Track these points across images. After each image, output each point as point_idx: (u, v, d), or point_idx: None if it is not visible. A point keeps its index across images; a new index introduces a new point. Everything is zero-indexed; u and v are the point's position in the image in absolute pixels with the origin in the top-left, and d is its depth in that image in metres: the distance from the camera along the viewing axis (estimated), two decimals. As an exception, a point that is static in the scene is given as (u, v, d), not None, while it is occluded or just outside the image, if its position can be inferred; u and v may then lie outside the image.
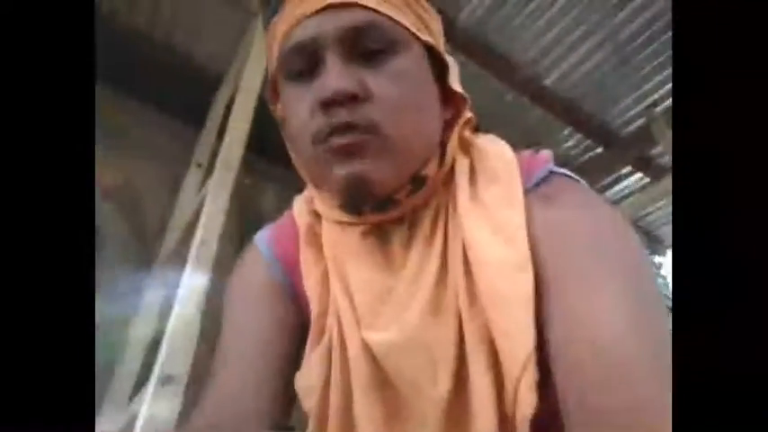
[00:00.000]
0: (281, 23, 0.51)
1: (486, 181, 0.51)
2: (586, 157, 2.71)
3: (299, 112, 0.49)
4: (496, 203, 0.49)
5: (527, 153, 0.55)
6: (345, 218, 0.53)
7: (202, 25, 2.24)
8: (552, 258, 0.45)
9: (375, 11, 0.49)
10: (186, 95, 2.27)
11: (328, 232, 0.55)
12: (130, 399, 1.41)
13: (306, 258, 0.56)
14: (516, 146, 0.55)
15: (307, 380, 0.51)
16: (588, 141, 2.63)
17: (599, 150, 2.66)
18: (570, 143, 2.66)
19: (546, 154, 0.55)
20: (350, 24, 0.48)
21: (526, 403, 0.41)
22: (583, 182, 0.53)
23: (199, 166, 2.03)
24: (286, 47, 0.50)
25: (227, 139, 1.56)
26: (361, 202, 0.50)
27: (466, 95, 0.54)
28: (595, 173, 2.69)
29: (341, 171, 0.47)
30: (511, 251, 0.45)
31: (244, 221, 2.44)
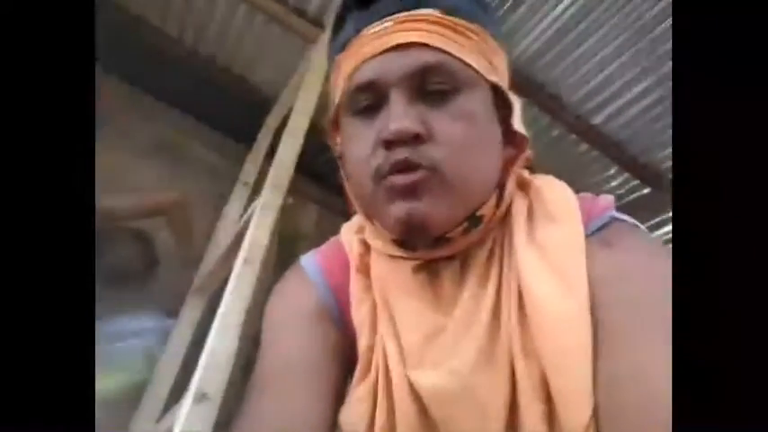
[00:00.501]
0: (349, 59, 0.52)
1: (545, 222, 0.50)
2: (632, 197, 2.65)
3: (361, 148, 0.50)
4: (556, 247, 0.47)
5: (588, 196, 0.54)
6: (398, 252, 0.53)
7: (261, 50, 2.32)
8: (610, 308, 0.43)
9: (443, 51, 0.48)
10: (240, 116, 2.35)
11: (378, 264, 0.55)
12: (159, 418, 1.44)
13: (356, 287, 0.55)
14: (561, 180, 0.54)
15: (351, 415, 0.50)
16: (635, 182, 2.57)
17: (645, 191, 2.60)
18: (616, 182, 2.62)
19: (608, 199, 0.53)
20: (416, 65, 0.48)
21: None
22: (643, 228, 0.51)
23: (245, 184, 2.08)
24: (353, 84, 0.51)
25: (277, 160, 1.60)
26: (417, 240, 0.50)
27: (526, 135, 0.54)
28: (641, 213, 2.63)
29: (399, 209, 0.47)
30: (571, 303, 0.44)
31: (280, 241, 2.48)
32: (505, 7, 2.03)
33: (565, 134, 2.44)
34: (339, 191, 0.58)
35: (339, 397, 0.53)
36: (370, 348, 0.52)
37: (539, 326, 0.44)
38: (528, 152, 0.55)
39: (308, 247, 2.15)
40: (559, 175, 0.55)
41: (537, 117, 2.36)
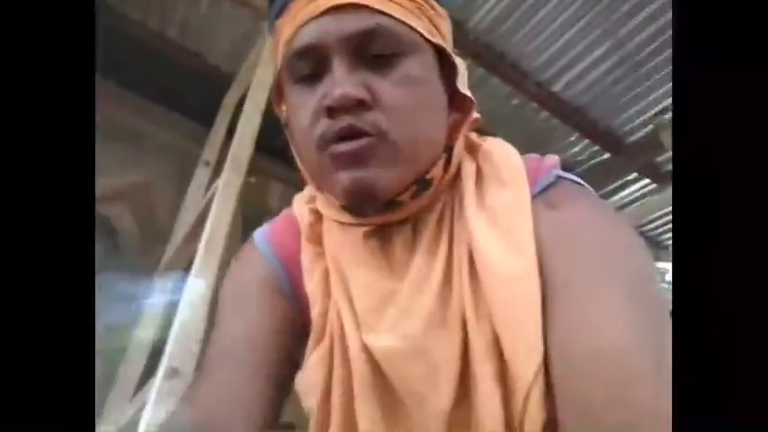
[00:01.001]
0: (287, 25, 0.50)
1: (494, 185, 0.50)
2: (593, 162, 2.71)
3: (304, 115, 0.48)
4: (504, 209, 0.48)
5: (534, 157, 0.55)
6: (348, 219, 0.53)
7: (214, 25, 2.26)
8: (557, 266, 0.44)
9: (383, 13, 0.47)
10: (198, 94, 2.30)
11: (330, 232, 0.55)
12: (133, 396, 1.43)
13: (307, 257, 0.55)
14: (523, 150, 0.55)
15: (307, 381, 0.51)
16: (595, 147, 2.63)
17: (605, 156, 2.67)
18: (577, 149, 2.67)
19: (552, 158, 0.54)
20: (356, 28, 0.47)
21: (534, 419, 0.40)
22: (588, 187, 0.53)
23: (207, 164, 2.05)
24: (291, 49, 0.49)
25: (236, 138, 1.58)
26: (365, 206, 0.50)
27: (472, 98, 0.53)
28: (601, 178, 2.70)
29: (345, 177, 0.46)
30: (520, 260, 0.44)
31: (246, 220, 2.47)
32: (461, -25, 2.03)
33: (525, 102, 2.46)
34: None
35: (289, 367, 0.53)
36: (324, 314, 0.52)
37: (489, 285, 0.45)
38: (475, 115, 0.54)
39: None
40: (520, 144, 0.56)
41: (497, 86, 2.38)
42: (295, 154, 0.54)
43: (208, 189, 1.66)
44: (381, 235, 0.52)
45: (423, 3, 0.51)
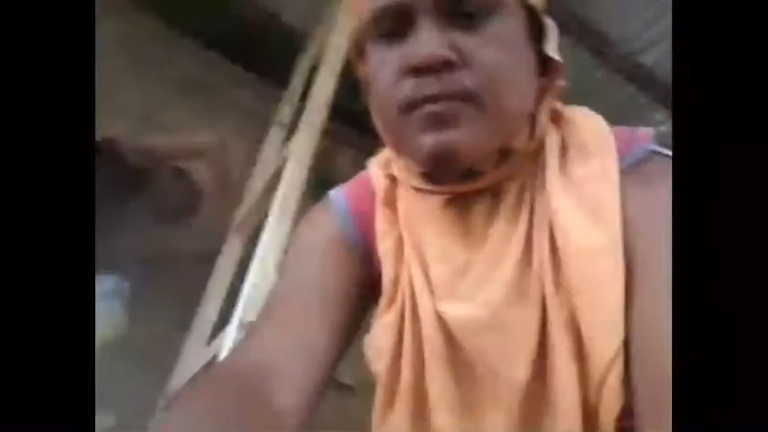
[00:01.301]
0: None
1: (579, 156, 0.48)
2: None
3: (386, 75, 0.47)
4: (590, 181, 0.46)
5: (625, 129, 0.51)
6: (426, 186, 0.51)
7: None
8: (643, 247, 0.42)
9: None
10: (274, 56, 2.31)
11: (406, 198, 0.54)
12: (208, 342, 1.50)
13: (382, 220, 0.54)
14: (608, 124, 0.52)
15: (377, 342, 0.51)
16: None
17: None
18: (666, 127, 2.51)
19: (646, 131, 0.50)
20: None
21: (612, 401, 0.40)
22: None
23: (281, 125, 2.07)
24: (375, 6, 0.47)
25: (310, 101, 1.58)
26: (447, 172, 0.48)
27: (562, 62, 0.50)
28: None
29: (429, 140, 0.44)
30: (603, 236, 0.43)
31: (315, 184, 2.49)
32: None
33: (611, 74, 2.33)
34: (374, 133, 0.56)
35: (353, 327, 0.54)
36: (395, 280, 0.52)
37: (569, 260, 0.43)
38: (562, 82, 0.52)
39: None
40: (605, 118, 0.52)
41: (582, 57, 2.25)
42: (373, 115, 0.52)
43: (281, 150, 1.68)
44: (460, 204, 0.51)
45: None
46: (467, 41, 0.45)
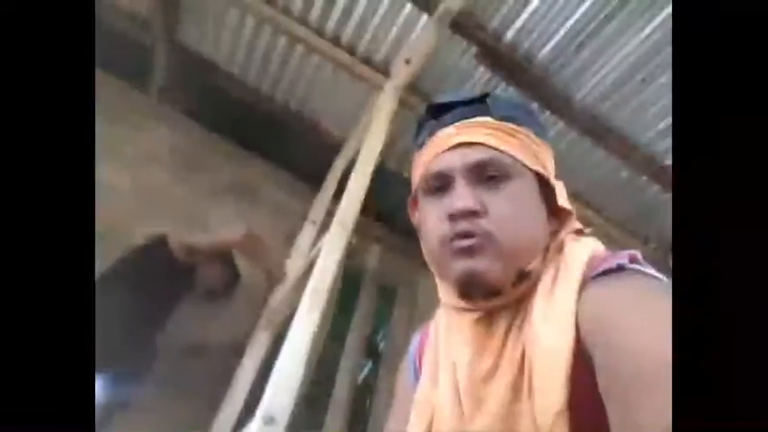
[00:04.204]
0: (426, 154, 0.67)
1: (563, 278, 0.60)
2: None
3: (432, 220, 0.64)
4: (560, 296, 0.58)
5: (611, 252, 0.61)
6: (461, 304, 0.64)
7: (330, 96, 2.46)
8: (598, 332, 0.51)
9: (495, 148, 0.63)
10: (310, 158, 2.48)
11: (446, 317, 0.68)
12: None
13: (428, 340, 0.70)
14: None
15: None
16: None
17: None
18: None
19: (629, 253, 0.59)
20: (475, 160, 0.63)
21: None
22: (661, 278, 0.56)
23: (313, 223, 2.18)
24: (428, 172, 0.66)
25: (344, 200, 1.67)
26: (474, 291, 0.61)
27: (571, 210, 0.67)
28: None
29: (460, 266, 0.60)
30: (556, 337, 0.54)
31: (345, 278, 2.56)
32: (570, 51, 2.06)
33: (635, 176, 2.39)
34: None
35: None
36: (427, 397, 0.66)
37: (534, 357, 0.55)
38: (575, 225, 0.67)
39: (372, 283, 2.20)
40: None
41: (605, 158, 2.34)
42: (423, 249, 0.68)
43: (312, 246, 1.75)
44: (487, 321, 0.63)
45: (526, 139, 0.66)
46: (489, 197, 0.62)
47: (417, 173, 0.70)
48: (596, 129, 2.27)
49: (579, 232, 0.68)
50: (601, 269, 0.56)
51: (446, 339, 0.67)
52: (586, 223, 2.60)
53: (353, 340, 2.41)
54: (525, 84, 2.20)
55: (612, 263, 0.57)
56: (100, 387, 1.52)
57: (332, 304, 2.40)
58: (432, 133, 0.68)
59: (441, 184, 0.64)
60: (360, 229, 2.57)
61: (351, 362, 2.34)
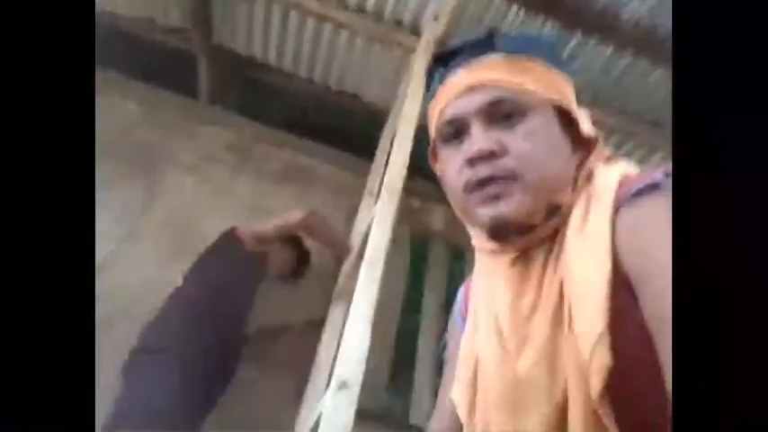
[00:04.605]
0: (436, 103, 0.66)
1: (595, 206, 0.59)
2: None
3: (452, 168, 0.63)
4: (593, 225, 0.57)
5: (644, 172, 0.59)
6: (495, 246, 0.64)
7: (367, 68, 2.47)
8: (635, 259, 0.51)
9: (508, 85, 0.61)
10: (359, 132, 2.51)
11: (482, 264, 0.68)
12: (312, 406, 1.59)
13: (471, 290, 0.70)
14: None
15: (458, 395, 0.65)
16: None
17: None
18: None
19: (658, 170, 0.56)
20: (488, 100, 0.61)
21: (598, 369, 0.48)
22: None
23: (371, 194, 2.22)
24: (442, 120, 0.65)
25: (390, 166, 1.69)
26: (505, 234, 0.61)
27: (597, 137, 0.65)
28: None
29: (485, 212, 0.59)
30: (596, 267, 0.53)
31: (413, 241, 2.60)
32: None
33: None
34: None
35: None
36: (471, 342, 0.66)
37: (572, 290, 0.55)
38: (601, 151, 0.65)
39: (440, 244, 2.22)
40: None
41: (665, 76, 2.19)
42: (448, 196, 0.67)
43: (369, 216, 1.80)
44: (523, 260, 0.62)
45: (539, 70, 0.63)
46: (507, 136, 0.60)
47: (433, 123, 0.68)
48: (652, 45, 2.12)
49: (609, 159, 0.65)
50: (635, 190, 0.55)
51: (484, 285, 0.67)
52: (653, 148, 2.44)
53: (429, 301, 2.46)
54: (565, 13, 2.09)
55: (646, 181, 0.55)
56: (204, 376, 1.65)
57: (403, 269, 2.46)
58: (441, 81, 0.67)
59: (456, 130, 0.63)
60: (421, 193, 2.61)
61: (429, 323, 2.39)
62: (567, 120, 0.64)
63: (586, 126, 0.65)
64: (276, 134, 2.60)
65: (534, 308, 0.58)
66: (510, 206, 0.58)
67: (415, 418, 2.12)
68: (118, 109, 2.36)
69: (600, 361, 0.48)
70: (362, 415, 1.24)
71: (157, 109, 2.46)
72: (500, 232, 0.61)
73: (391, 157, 1.73)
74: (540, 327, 0.56)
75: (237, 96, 2.67)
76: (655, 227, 0.51)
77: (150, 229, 2.18)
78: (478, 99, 0.62)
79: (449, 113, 0.64)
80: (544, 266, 0.60)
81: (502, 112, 0.61)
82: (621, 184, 0.58)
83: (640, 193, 0.54)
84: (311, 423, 1.39)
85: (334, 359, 1.41)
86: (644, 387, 0.46)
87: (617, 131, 2.46)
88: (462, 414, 0.64)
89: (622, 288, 0.51)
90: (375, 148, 2.39)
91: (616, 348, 0.48)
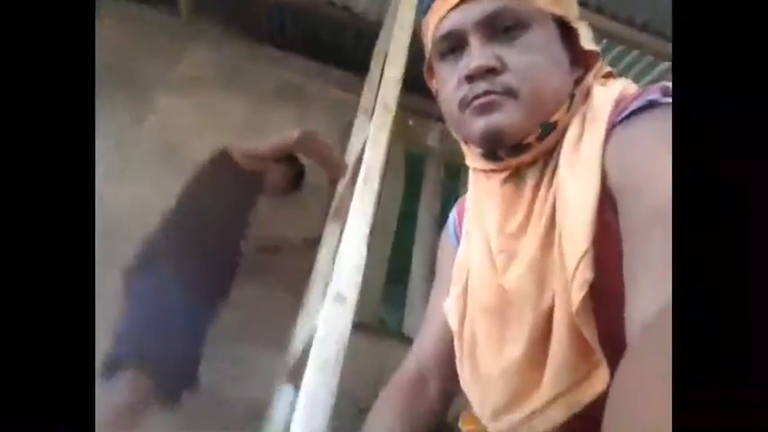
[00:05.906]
0: (432, 17, 0.64)
1: (590, 124, 0.58)
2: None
3: (450, 84, 0.61)
4: (586, 144, 0.56)
5: (644, 88, 0.57)
6: (488, 165, 0.63)
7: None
8: (625, 179, 0.50)
9: None
10: (352, 48, 2.43)
11: (475, 182, 0.68)
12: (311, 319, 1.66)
13: (465, 209, 0.70)
14: None
15: (449, 308, 0.67)
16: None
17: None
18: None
19: (662, 86, 0.55)
20: (484, 12, 0.59)
21: (580, 285, 0.48)
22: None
23: (365, 111, 2.18)
24: (437, 35, 0.62)
25: (383, 82, 1.66)
26: (497, 147, 0.60)
27: (597, 52, 0.62)
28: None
29: (480, 123, 0.58)
30: (586, 188, 0.52)
31: (408, 159, 2.59)
32: None
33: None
34: None
35: None
36: (464, 260, 0.67)
37: (563, 210, 0.54)
38: (602, 67, 0.63)
39: (435, 161, 2.21)
40: None
41: None
42: (444, 114, 0.65)
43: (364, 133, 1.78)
44: (515, 180, 0.62)
45: None
46: (506, 51, 0.58)
47: (428, 39, 0.66)
48: None
49: (609, 75, 0.64)
50: (630, 109, 0.54)
51: (477, 204, 0.67)
52: (660, 57, 2.35)
53: (424, 217, 2.50)
54: None
55: (642, 100, 0.53)
56: (203, 289, 1.72)
57: (398, 184, 2.48)
58: None
59: (453, 44, 0.61)
60: (417, 109, 2.57)
61: (424, 238, 2.44)
62: (567, 34, 0.62)
63: (586, 40, 0.63)
64: (267, 51, 2.52)
65: (524, 226, 0.58)
66: (503, 118, 0.57)
67: (408, 330, 2.21)
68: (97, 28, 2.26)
69: (582, 276, 0.49)
70: (358, 327, 1.30)
71: (140, 29, 2.36)
72: (493, 144, 0.60)
73: (385, 72, 1.68)
74: (529, 244, 0.57)
75: (223, 14, 2.56)
76: (646, 143, 0.50)
77: (141, 152, 2.16)
78: (476, 11, 0.59)
79: (445, 27, 0.61)
80: (536, 186, 0.59)
81: (501, 26, 0.58)
82: (618, 103, 0.56)
83: (638, 111, 0.53)
84: (307, 336, 1.45)
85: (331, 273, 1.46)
86: (622, 303, 0.46)
87: (623, 41, 2.41)
88: (453, 322, 0.66)
89: (608, 206, 0.51)
90: (368, 63, 2.32)
91: (599, 264, 0.49)
